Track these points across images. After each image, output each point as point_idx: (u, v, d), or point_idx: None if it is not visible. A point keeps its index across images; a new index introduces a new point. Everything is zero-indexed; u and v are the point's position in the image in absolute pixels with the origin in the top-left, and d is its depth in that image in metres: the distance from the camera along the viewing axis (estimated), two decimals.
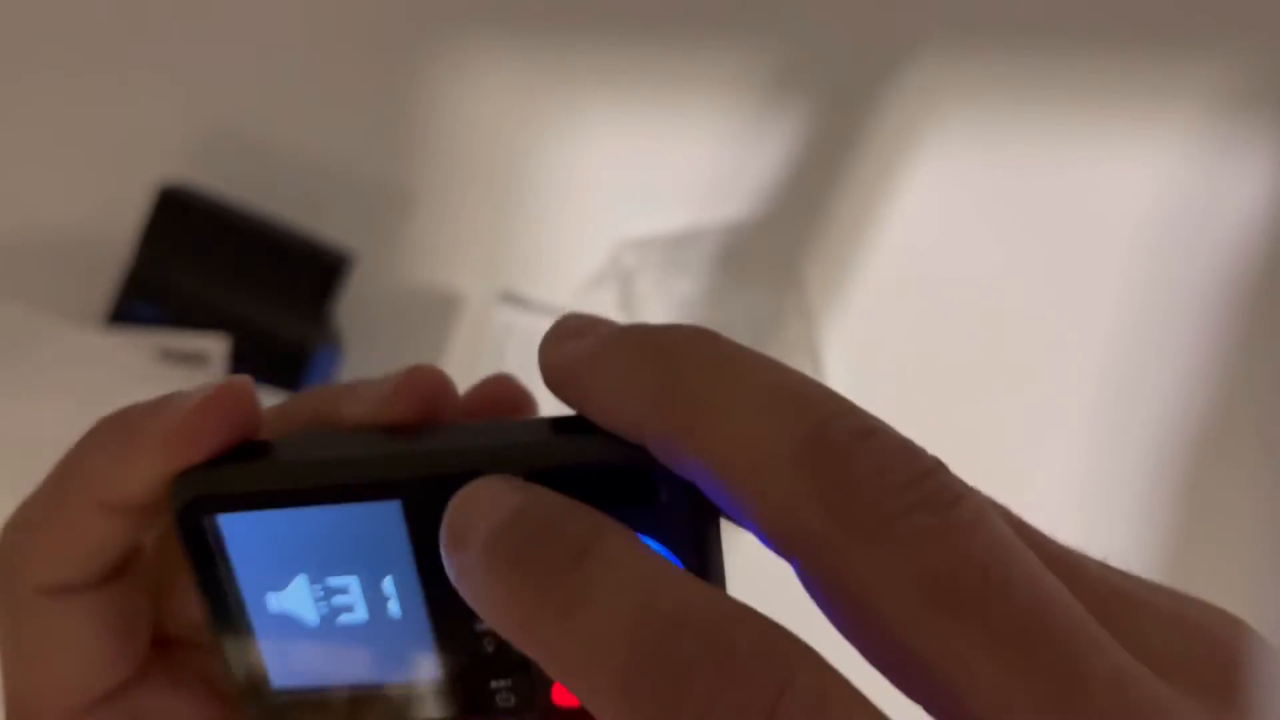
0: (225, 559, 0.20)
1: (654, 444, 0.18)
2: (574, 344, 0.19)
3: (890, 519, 0.15)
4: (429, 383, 0.21)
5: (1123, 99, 0.66)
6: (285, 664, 0.21)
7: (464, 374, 0.23)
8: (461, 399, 0.22)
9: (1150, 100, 0.66)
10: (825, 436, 0.16)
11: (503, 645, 0.20)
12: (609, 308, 0.64)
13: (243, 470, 0.20)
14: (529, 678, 0.21)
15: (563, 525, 0.17)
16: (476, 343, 0.63)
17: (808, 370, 0.20)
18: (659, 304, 0.64)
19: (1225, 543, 0.64)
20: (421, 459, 0.20)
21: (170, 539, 0.22)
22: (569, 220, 0.65)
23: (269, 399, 0.22)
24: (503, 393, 0.23)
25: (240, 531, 0.20)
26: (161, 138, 0.63)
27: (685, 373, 0.17)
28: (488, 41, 0.64)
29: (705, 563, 0.19)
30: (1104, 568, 0.18)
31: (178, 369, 0.57)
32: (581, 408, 0.19)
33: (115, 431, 0.21)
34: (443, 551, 0.18)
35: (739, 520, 0.17)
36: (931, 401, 0.61)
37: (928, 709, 0.16)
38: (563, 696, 0.21)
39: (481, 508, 0.18)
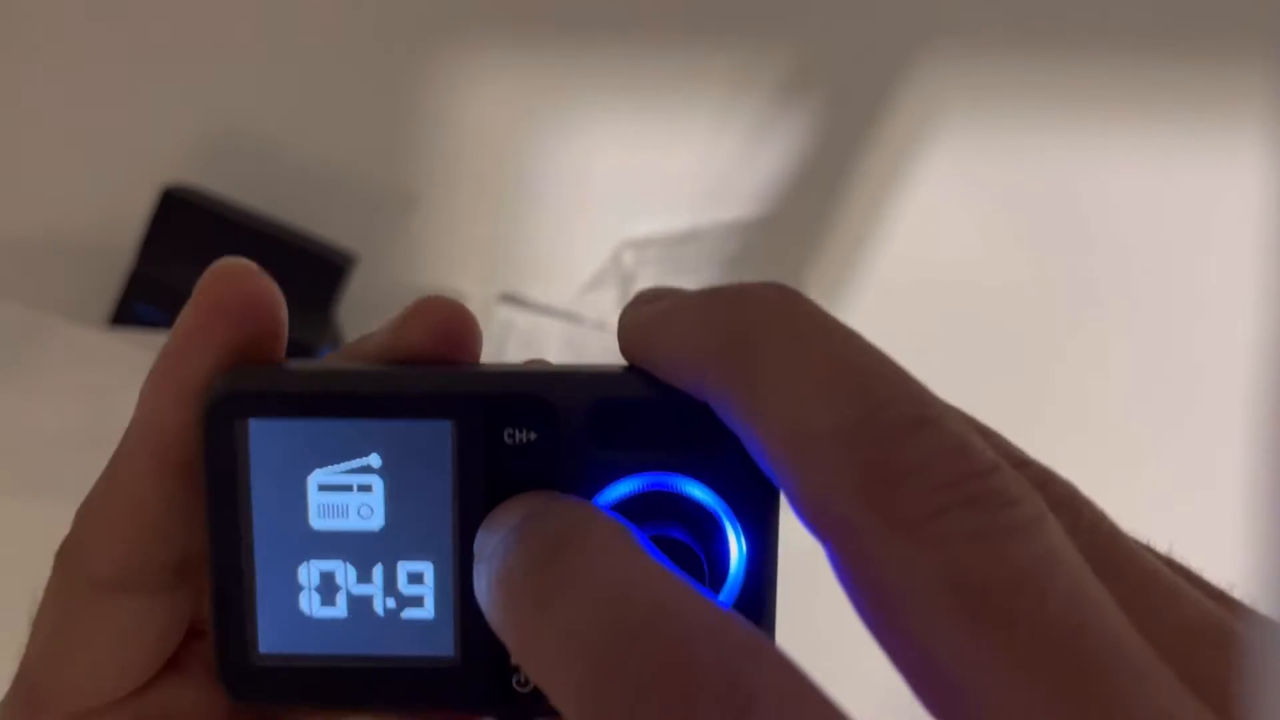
0: (245, 475, 0.18)
1: (711, 400, 0.17)
2: (649, 307, 0.18)
3: (928, 515, 0.15)
4: (443, 311, 0.20)
5: (1128, 101, 0.66)
6: (280, 620, 0.19)
7: None
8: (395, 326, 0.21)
9: (1156, 102, 0.66)
10: (878, 421, 0.15)
11: None
12: (609, 308, 0.64)
13: (285, 371, 0.19)
14: None
15: (549, 516, 0.17)
16: None
17: None
18: None
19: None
20: (481, 379, 0.19)
21: None
22: (569, 221, 0.65)
23: None
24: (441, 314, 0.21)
25: (267, 443, 0.18)
26: (164, 139, 0.63)
27: (751, 332, 0.16)
28: (489, 44, 0.65)
29: (757, 519, 0.19)
30: (1200, 602, 0.16)
31: None
32: (647, 363, 0.18)
33: (153, 366, 0.19)
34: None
35: (782, 490, 0.16)
36: None
37: (941, 718, 0.15)
38: None
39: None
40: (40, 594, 0.21)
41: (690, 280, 0.65)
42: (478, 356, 0.20)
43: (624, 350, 0.19)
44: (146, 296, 0.60)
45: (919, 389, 0.16)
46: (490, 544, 0.17)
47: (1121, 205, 0.67)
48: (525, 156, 0.64)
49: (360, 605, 0.19)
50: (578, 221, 0.65)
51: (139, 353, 0.57)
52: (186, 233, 0.60)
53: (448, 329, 0.20)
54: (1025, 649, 0.14)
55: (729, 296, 0.17)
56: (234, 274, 0.19)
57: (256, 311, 0.19)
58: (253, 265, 0.19)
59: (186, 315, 0.19)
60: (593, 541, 0.16)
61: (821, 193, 0.66)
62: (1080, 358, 0.67)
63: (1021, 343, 0.66)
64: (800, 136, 0.65)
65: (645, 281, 0.64)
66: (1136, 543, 0.17)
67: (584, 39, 0.65)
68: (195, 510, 0.19)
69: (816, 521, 0.16)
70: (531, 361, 0.21)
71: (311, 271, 0.60)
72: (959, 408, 0.18)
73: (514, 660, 0.16)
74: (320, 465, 0.18)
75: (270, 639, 0.19)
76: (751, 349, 0.16)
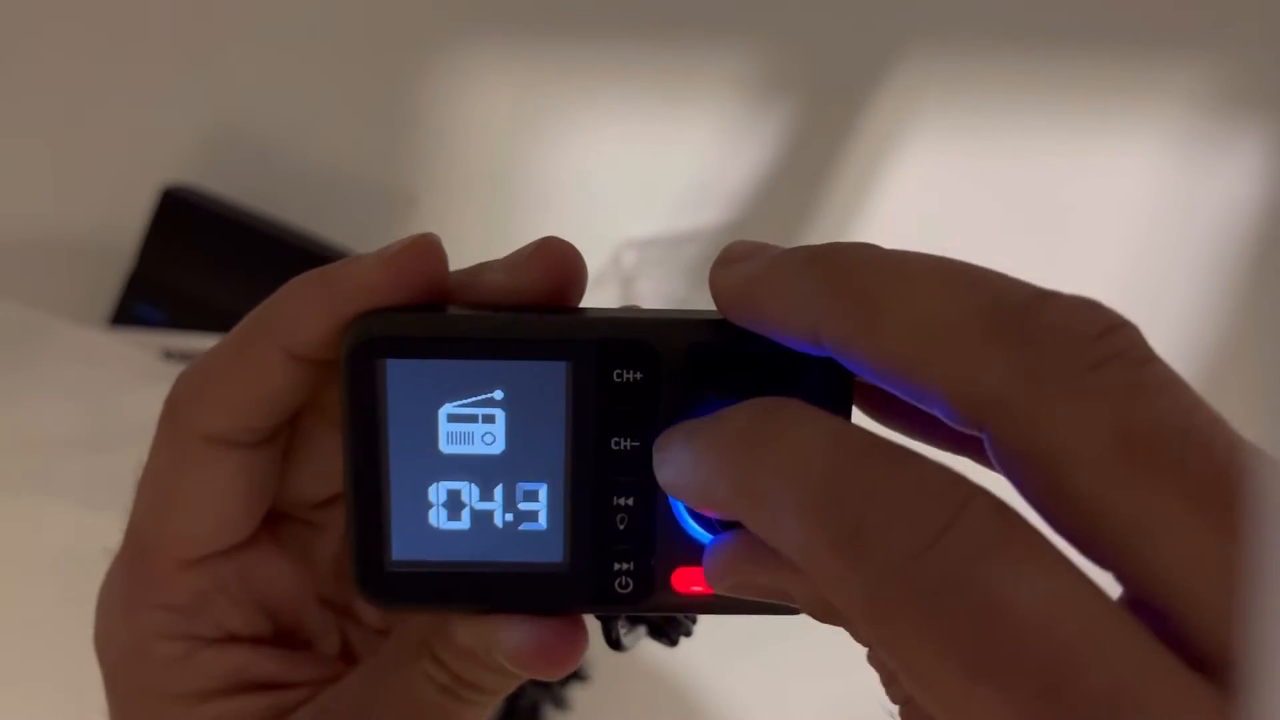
0: (383, 408, 0.21)
1: (832, 348, 0.18)
2: (742, 266, 0.19)
3: (1083, 371, 0.15)
4: (559, 252, 0.22)
5: (1106, 96, 0.66)
6: (411, 533, 0.21)
7: None
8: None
9: (1134, 97, 0.66)
10: (1005, 301, 0.16)
11: (634, 522, 0.21)
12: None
13: (419, 317, 0.21)
14: (652, 561, 0.22)
15: (744, 408, 0.18)
16: None
17: None
18: (659, 304, 0.65)
19: None
20: (592, 325, 0.21)
21: (305, 412, 0.23)
22: (569, 221, 0.65)
23: None
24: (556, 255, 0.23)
25: (403, 379, 0.21)
26: (165, 140, 0.63)
27: (854, 274, 0.17)
28: (489, 45, 0.65)
29: None
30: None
31: (180, 369, 0.57)
32: (757, 323, 0.19)
33: (311, 283, 0.21)
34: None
35: (929, 405, 0.17)
36: None
37: (1116, 574, 0.15)
38: (683, 582, 0.22)
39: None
40: (146, 455, 0.23)
41: (690, 280, 0.65)
42: (584, 292, 0.22)
43: (724, 309, 0.20)
44: (146, 296, 0.60)
45: (1020, 280, 0.17)
46: (684, 431, 0.19)
47: (1101, 203, 0.67)
48: (525, 157, 0.64)
49: (482, 519, 0.21)
50: (578, 221, 0.65)
51: (139, 353, 0.57)
52: (186, 233, 0.61)
53: (562, 269, 0.22)
54: (1201, 494, 0.14)
55: (822, 254, 0.18)
56: (425, 252, 0.21)
57: (433, 287, 0.21)
58: (438, 242, 0.21)
59: (371, 255, 0.21)
60: (794, 408, 0.17)
61: (821, 191, 0.66)
62: None
63: None
64: (798, 136, 0.65)
65: (645, 281, 0.64)
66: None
67: (584, 39, 0.65)
68: (306, 383, 0.22)
69: (973, 410, 0.16)
70: (628, 307, 0.24)
71: None
72: None
73: (723, 509, 0.18)
74: (450, 399, 0.21)
75: (403, 548, 0.22)
76: (859, 291, 0.17)
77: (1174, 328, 0.66)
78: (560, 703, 0.59)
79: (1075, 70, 0.65)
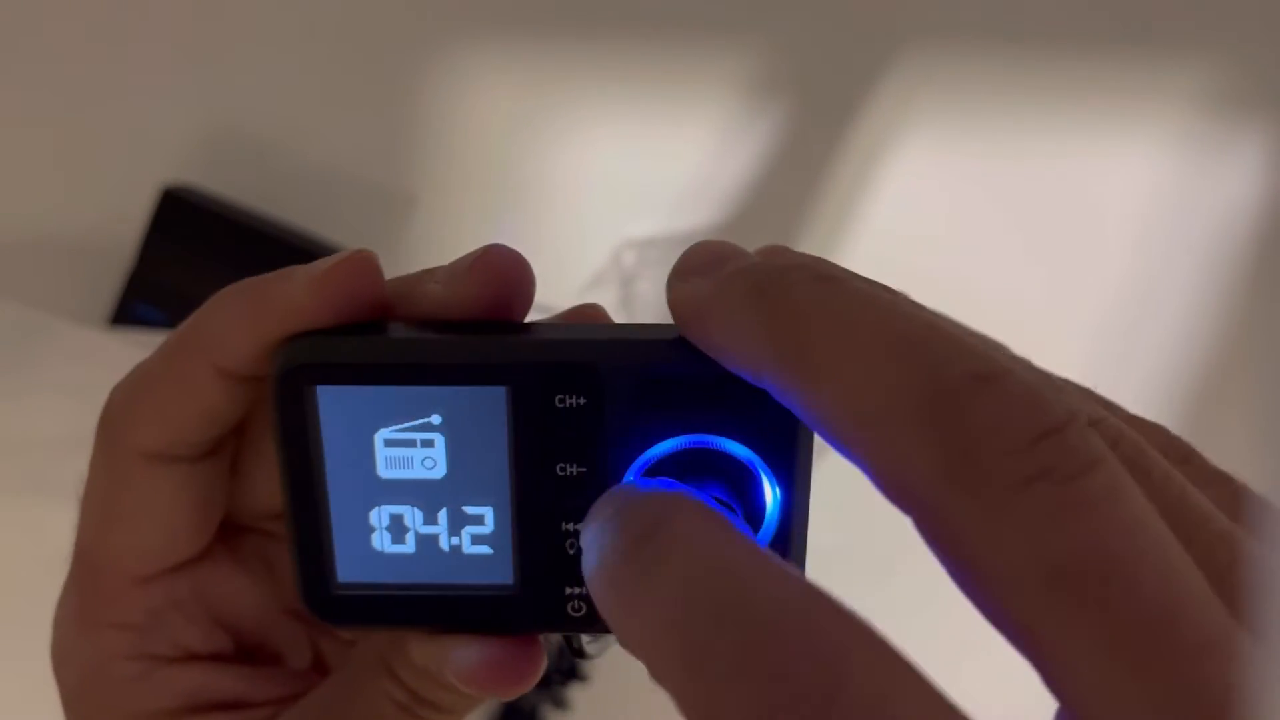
0: (316, 433, 0.20)
1: (772, 390, 0.17)
2: (695, 284, 0.18)
3: (1009, 490, 0.14)
4: (503, 262, 0.21)
5: (1106, 97, 0.66)
6: (355, 555, 0.21)
7: None
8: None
9: (1134, 98, 0.66)
10: (940, 384, 0.15)
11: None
12: (609, 308, 0.64)
13: (350, 342, 0.20)
14: None
15: (641, 504, 0.17)
16: None
17: None
18: (659, 304, 0.65)
19: None
20: (533, 347, 0.20)
21: (250, 422, 0.23)
22: (569, 221, 0.65)
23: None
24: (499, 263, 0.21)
25: (335, 406, 0.20)
26: (164, 140, 0.63)
27: (798, 324, 0.16)
28: (488, 45, 0.65)
29: (787, 467, 0.20)
30: (1269, 558, 0.16)
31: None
32: (705, 348, 0.19)
33: (239, 297, 0.21)
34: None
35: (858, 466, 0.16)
36: None
37: (1040, 675, 0.15)
38: None
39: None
40: (84, 473, 0.22)
41: None
42: (531, 302, 0.21)
43: (678, 325, 0.19)
44: (146, 296, 0.60)
45: (974, 343, 0.15)
46: (588, 536, 0.18)
47: (1100, 204, 0.67)
48: (525, 157, 0.64)
49: (427, 542, 0.21)
50: (577, 221, 0.65)
51: (139, 353, 0.57)
52: (186, 233, 0.61)
53: (504, 280, 0.21)
54: (1122, 636, 0.14)
55: (770, 287, 0.17)
56: (357, 272, 0.20)
57: (367, 305, 0.20)
58: (374, 259, 0.20)
59: (302, 272, 0.20)
60: (681, 524, 0.16)
61: (820, 190, 0.66)
62: (1065, 356, 0.67)
63: (1003, 336, 0.66)
64: (798, 136, 0.65)
65: (645, 281, 0.64)
66: (1203, 500, 0.16)
67: (583, 39, 0.65)
68: (242, 398, 0.21)
69: (899, 502, 0.15)
70: (579, 309, 0.23)
71: None
72: (1026, 358, 0.18)
73: (618, 641, 0.17)
74: (386, 424, 0.20)
75: (348, 570, 0.21)
76: (801, 341, 0.16)
77: (1173, 329, 0.66)
78: (560, 703, 0.59)
79: (1074, 71, 0.65)
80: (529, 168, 0.64)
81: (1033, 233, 0.66)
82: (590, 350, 0.20)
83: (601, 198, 0.65)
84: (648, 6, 0.66)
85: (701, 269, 0.18)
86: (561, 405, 0.20)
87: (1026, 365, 0.16)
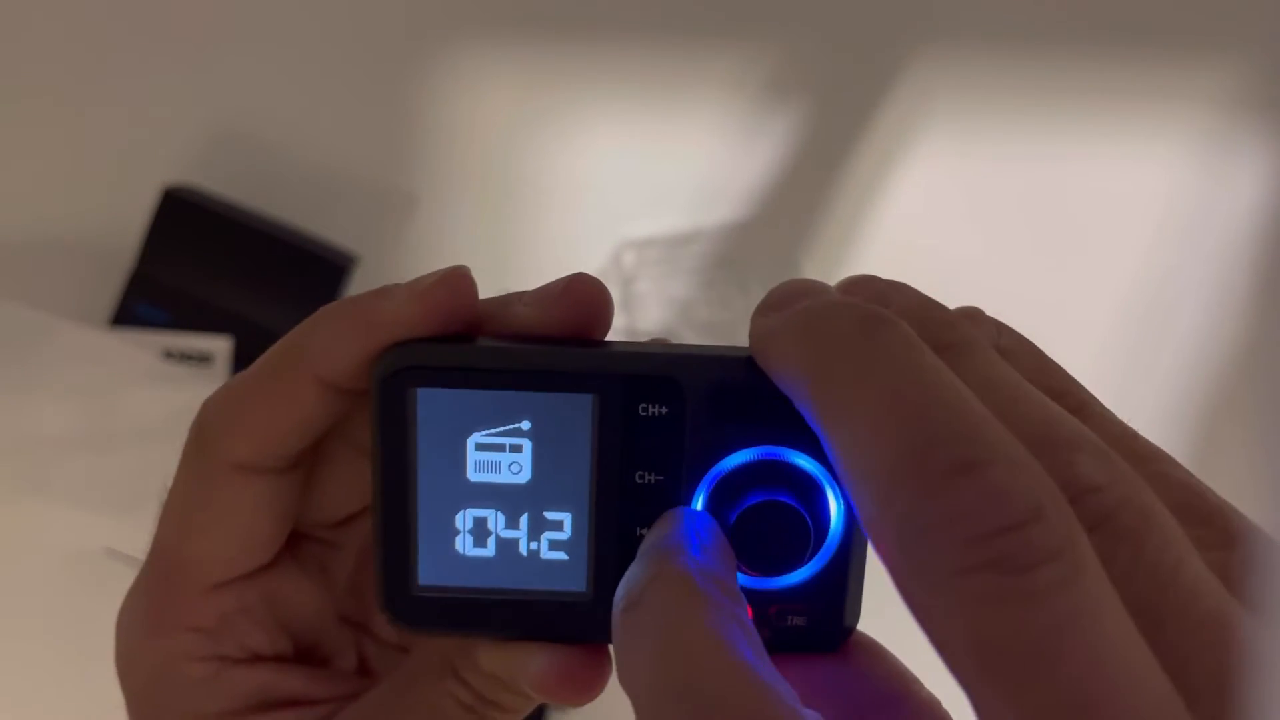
0: (413, 436, 0.21)
1: (807, 418, 0.19)
2: (768, 319, 0.20)
3: (956, 573, 0.15)
4: (591, 288, 0.22)
5: (1122, 99, 0.66)
6: (437, 558, 0.22)
7: None
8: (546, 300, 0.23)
9: (1151, 100, 0.66)
10: (923, 461, 0.16)
11: None
12: None
13: (451, 348, 0.21)
14: None
15: (641, 565, 0.19)
16: None
17: None
18: (659, 304, 0.65)
19: None
20: (620, 359, 0.21)
21: (325, 436, 0.24)
22: (569, 221, 0.65)
23: None
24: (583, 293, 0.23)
25: (433, 408, 0.21)
26: (166, 140, 0.64)
27: (829, 369, 0.18)
28: (489, 46, 0.65)
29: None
30: (1243, 645, 0.16)
31: (181, 368, 0.57)
32: (766, 371, 0.20)
33: (341, 312, 0.22)
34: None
35: None
36: None
37: None
38: None
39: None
40: (170, 478, 0.23)
41: (689, 280, 0.65)
42: (609, 328, 0.23)
43: (753, 354, 0.21)
44: (147, 296, 0.60)
45: (972, 426, 0.16)
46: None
47: (1116, 206, 0.67)
48: (525, 157, 0.64)
49: (507, 547, 0.22)
50: (578, 221, 0.65)
51: (139, 353, 0.58)
52: (187, 233, 0.61)
53: (590, 306, 0.22)
54: (1035, 716, 0.14)
55: (816, 331, 0.18)
56: (457, 286, 0.22)
57: (463, 319, 0.22)
58: (469, 275, 0.22)
59: (404, 288, 0.22)
60: (659, 600, 0.18)
61: (820, 191, 0.66)
62: (1078, 356, 0.67)
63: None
64: (797, 136, 0.65)
65: (645, 281, 0.64)
66: (1199, 574, 0.16)
67: (584, 40, 0.65)
68: (337, 410, 0.23)
69: (871, 539, 0.17)
70: (655, 340, 0.24)
71: (312, 271, 0.60)
72: (1100, 406, 0.19)
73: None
74: (478, 428, 0.21)
75: (429, 573, 0.22)
76: (828, 383, 0.18)
77: (1188, 331, 0.66)
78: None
79: (1090, 73, 0.66)
80: (529, 168, 0.64)
81: (1048, 235, 0.66)
82: (673, 364, 0.21)
83: (601, 198, 0.65)
84: (648, 8, 0.66)
85: (778, 304, 0.20)
86: (644, 414, 0.21)
87: (1021, 453, 0.16)
